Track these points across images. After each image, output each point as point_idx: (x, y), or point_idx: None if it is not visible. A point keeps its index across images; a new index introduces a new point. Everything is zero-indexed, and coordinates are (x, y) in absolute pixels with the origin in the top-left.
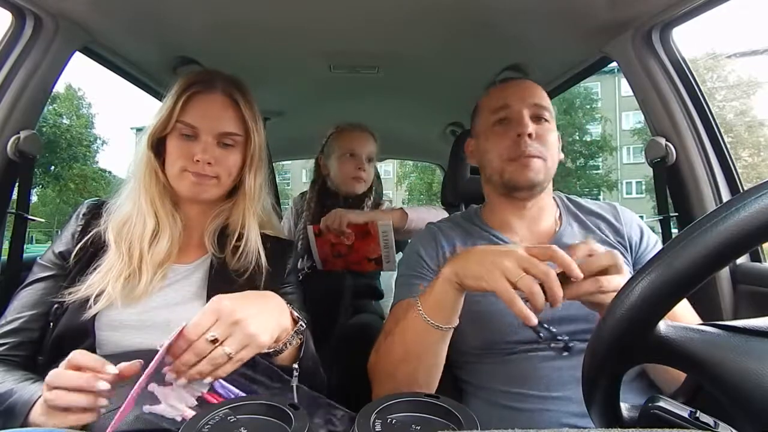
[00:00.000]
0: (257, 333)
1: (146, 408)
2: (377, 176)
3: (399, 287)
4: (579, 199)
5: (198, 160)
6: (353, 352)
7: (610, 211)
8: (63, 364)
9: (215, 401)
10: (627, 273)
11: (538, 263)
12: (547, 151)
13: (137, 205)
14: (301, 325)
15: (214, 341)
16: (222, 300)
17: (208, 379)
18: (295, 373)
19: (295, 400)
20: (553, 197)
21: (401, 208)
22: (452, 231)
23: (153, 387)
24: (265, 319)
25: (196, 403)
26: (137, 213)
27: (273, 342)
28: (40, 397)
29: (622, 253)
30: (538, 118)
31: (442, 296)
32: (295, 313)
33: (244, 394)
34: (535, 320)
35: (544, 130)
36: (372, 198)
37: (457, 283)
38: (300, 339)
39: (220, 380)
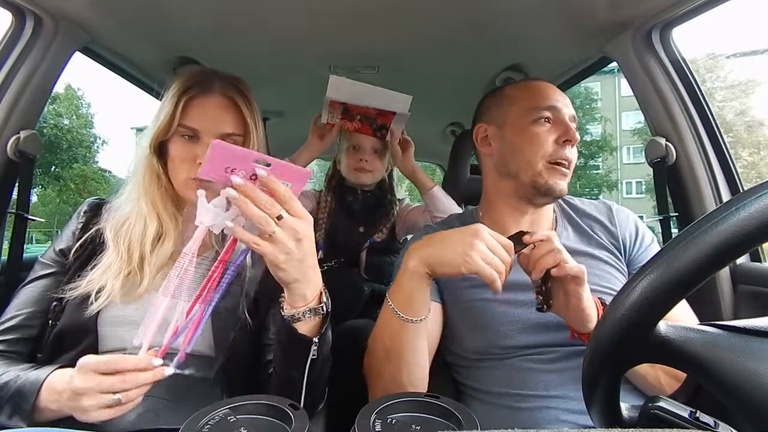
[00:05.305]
0: (297, 257)
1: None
2: (390, 176)
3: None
4: (575, 200)
5: (200, 162)
6: (344, 355)
7: (605, 212)
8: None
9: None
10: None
11: (501, 248)
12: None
13: (137, 207)
14: (321, 307)
15: (279, 218)
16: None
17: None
18: (314, 347)
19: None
20: None
21: (434, 183)
22: None
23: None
24: (300, 268)
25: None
26: (137, 215)
27: (286, 297)
28: (47, 377)
29: (615, 256)
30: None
31: (410, 288)
32: (324, 297)
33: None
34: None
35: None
36: (392, 195)
37: (428, 273)
38: (318, 318)
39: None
